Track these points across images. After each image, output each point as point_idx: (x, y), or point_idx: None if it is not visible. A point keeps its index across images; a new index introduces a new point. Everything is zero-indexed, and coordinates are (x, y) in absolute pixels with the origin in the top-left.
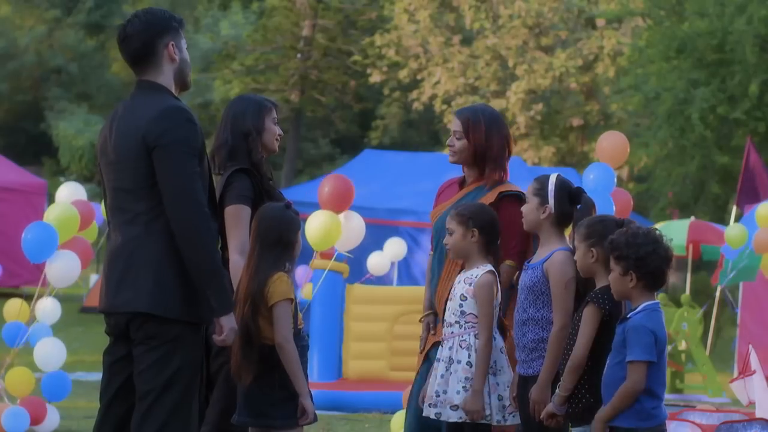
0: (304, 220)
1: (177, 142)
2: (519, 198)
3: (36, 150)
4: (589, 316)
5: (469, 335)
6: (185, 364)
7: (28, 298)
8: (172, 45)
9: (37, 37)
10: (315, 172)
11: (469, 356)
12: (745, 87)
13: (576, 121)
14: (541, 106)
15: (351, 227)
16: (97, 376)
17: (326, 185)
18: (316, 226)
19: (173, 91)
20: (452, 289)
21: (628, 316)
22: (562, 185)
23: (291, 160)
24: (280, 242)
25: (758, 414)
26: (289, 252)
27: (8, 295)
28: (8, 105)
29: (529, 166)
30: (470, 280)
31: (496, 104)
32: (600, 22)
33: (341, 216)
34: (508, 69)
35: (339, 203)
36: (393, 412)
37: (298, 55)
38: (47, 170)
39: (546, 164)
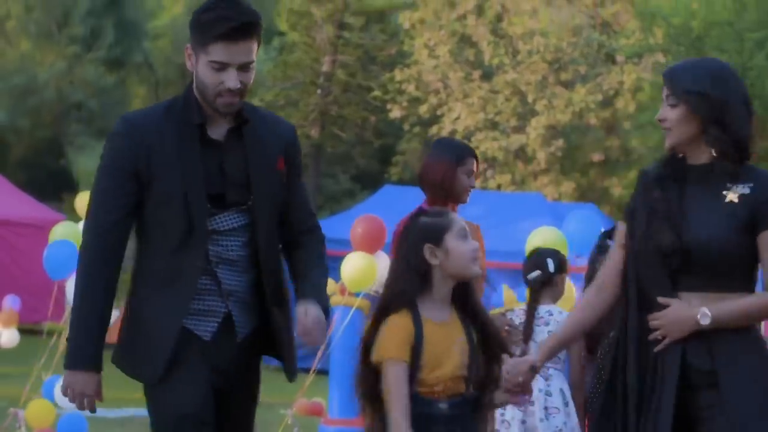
0: (331, 257)
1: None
2: None
3: (56, 186)
4: None
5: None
6: (157, 426)
7: (50, 333)
8: (189, 48)
9: (57, 73)
10: (335, 207)
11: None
12: (764, 122)
13: (596, 157)
14: (561, 141)
15: (380, 267)
16: (116, 413)
17: (359, 226)
18: (351, 268)
19: (197, 96)
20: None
21: None
22: None
23: (311, 195)
24: None
25: None
26: None
27: (29, 331)
28: (29, 140)
29: (549, 201)
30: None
31: (516, 140)
32: (620, 57)
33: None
34: (528, 104)
35: (372, 243)
36: None
37: (318, 91)
38: (67, 206)
39: (566, 200)
